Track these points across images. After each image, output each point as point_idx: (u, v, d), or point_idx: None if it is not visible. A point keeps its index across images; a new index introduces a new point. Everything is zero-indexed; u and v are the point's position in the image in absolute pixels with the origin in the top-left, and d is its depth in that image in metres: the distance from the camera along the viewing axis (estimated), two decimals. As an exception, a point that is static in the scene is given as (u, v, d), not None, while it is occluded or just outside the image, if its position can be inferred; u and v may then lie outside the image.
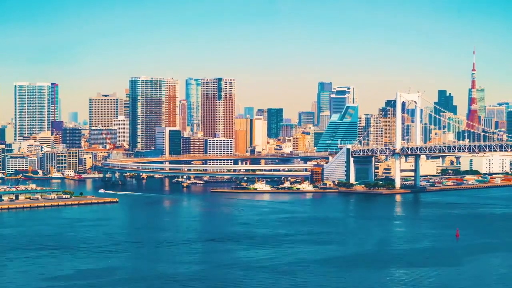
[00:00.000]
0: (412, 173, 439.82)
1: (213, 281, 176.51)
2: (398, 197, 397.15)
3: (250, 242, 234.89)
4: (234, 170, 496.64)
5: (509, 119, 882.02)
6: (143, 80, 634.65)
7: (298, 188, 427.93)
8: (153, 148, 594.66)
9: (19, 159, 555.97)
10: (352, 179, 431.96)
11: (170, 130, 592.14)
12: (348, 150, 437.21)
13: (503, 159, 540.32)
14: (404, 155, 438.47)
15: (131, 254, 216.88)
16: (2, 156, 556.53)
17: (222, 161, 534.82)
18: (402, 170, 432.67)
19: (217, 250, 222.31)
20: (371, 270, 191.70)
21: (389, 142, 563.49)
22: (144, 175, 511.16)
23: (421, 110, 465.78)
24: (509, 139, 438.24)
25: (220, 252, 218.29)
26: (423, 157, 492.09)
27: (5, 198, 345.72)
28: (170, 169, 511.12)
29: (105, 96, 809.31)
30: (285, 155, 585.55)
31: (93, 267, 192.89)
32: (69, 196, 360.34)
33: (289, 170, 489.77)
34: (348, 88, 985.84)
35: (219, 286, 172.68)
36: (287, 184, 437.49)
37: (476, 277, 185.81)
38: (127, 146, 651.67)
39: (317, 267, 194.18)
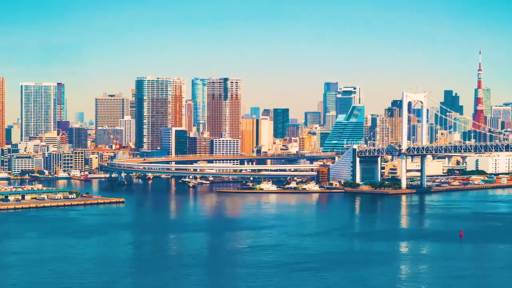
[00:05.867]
0: (418, 173, 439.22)
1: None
2: (403, 198, 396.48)
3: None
4: (240, 170, 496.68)
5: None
6: (149, 80, 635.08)
7: (304, 188, 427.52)
8: (159, 148, 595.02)
9: (25, 159, 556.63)
10: (358, 179, 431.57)
11: (176, 130, 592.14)
12: (354, 150, 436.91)
13: (509, 159, 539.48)
14: (410, 155, 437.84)
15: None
16: (9, 156, 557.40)
17: (228, 161, 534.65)
18: (408, 170, 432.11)
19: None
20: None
21: (395, 142, 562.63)
22: (150, 175, 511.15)
23: (427, 110, 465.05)
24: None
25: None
26: (429, 157, 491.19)
27: (11, 198, 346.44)
28: (176, 169, 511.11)
29: (111, 96, 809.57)
30: (291, 155, 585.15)
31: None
32: (75, 196, 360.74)
33: (295, 170, 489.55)
34: (354, 88, 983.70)
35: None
36: (293, 184, 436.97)
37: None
38: (133, 146, 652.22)
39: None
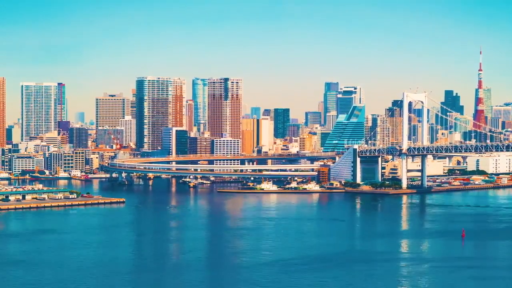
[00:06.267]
0: (419, 173, 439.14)
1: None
2: (404, 198, 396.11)
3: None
4: (241, 170, 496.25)
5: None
6: (149, 80, 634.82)
7: (305, 188, 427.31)
8: (159, 148, 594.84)
9: (26, 159, 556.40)
10: (359, 179, 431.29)
11: (176, 130, 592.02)
12: (354, 150, 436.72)
13: (509, 159, 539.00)
14: (411, 155, 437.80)
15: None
16: (9, 156, 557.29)
17: (228, 161, 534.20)
18: (408, 170, 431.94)
19: None
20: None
21: (395, 142, 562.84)
22: (151, 175, 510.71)
23: (428, 110, 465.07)
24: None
25: None
26: (429, 157, 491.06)
27: (12, 198, 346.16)
28: (177, 169, 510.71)
29: (112, 96, 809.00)
30: (292, 155, 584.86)
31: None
32: (75, 196, 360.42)
33: (296, 170, 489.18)
34: (355, 88, 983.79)
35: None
36: (293, 184, 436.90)
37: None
38: (133, 146, 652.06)
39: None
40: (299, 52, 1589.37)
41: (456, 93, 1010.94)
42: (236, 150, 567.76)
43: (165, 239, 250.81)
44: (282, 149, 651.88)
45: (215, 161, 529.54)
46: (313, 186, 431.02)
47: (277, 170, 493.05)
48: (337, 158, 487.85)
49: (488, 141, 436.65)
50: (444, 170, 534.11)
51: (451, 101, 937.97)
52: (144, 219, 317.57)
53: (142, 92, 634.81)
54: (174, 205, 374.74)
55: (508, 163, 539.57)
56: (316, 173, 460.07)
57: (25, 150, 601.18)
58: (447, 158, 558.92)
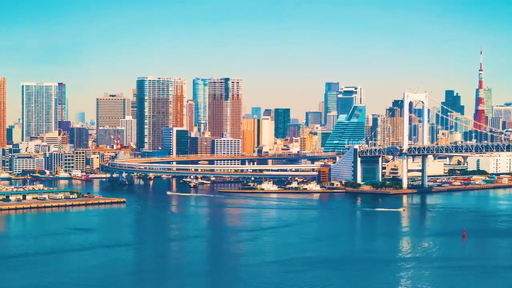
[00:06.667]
0: (419, 173, 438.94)
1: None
2: (404, 198, 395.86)
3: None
4: (241, 170, 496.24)
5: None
6: (150, 80, 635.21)
7: (305, 188, 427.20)
8: (160, 148, 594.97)
9: (26, 159, 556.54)
10: (359, 179, 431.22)
11: (177, 130, 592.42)
12: (355, 150, 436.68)
13: (510, 159, 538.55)
14: (411, 155, 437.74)
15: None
16: (10, 156, 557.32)
17: (229, 161, 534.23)
18: (409, 170, 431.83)
19: None
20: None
21: (396, 142, 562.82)
22: (151, 175, 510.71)
23: (428, 110, 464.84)
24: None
25: None
26: (430, 157, 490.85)
27: (12, 198, 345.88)
28: (177, 169, 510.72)
29: (112, 96, 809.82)
30: (292, 155, 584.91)
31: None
32: (76, 196, 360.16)
33: (296, 170, 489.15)
34: (355, 88, 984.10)
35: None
36: (294, 184, 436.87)
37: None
38: (134, 146, 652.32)
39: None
40: (299, 52, 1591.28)
41: (457, 93, 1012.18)
42: (236, 150, 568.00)
43: (165, 239, 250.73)
44: (282, 149, 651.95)
45: (215, 161, 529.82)
46: (313, 186, 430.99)
47: (277, 170, 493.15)
48: (337, 158, 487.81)
49: (488, 141, 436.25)
50: (444, 170, 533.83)
51: (452, 101, 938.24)
52: (145, 219, 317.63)
53: (143, 92, 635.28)
54: (174, 205, 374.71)
55: (508, 163, 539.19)
56: (317, 173, 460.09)
57: (26, 150, 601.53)
58: (447, 158, 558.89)
